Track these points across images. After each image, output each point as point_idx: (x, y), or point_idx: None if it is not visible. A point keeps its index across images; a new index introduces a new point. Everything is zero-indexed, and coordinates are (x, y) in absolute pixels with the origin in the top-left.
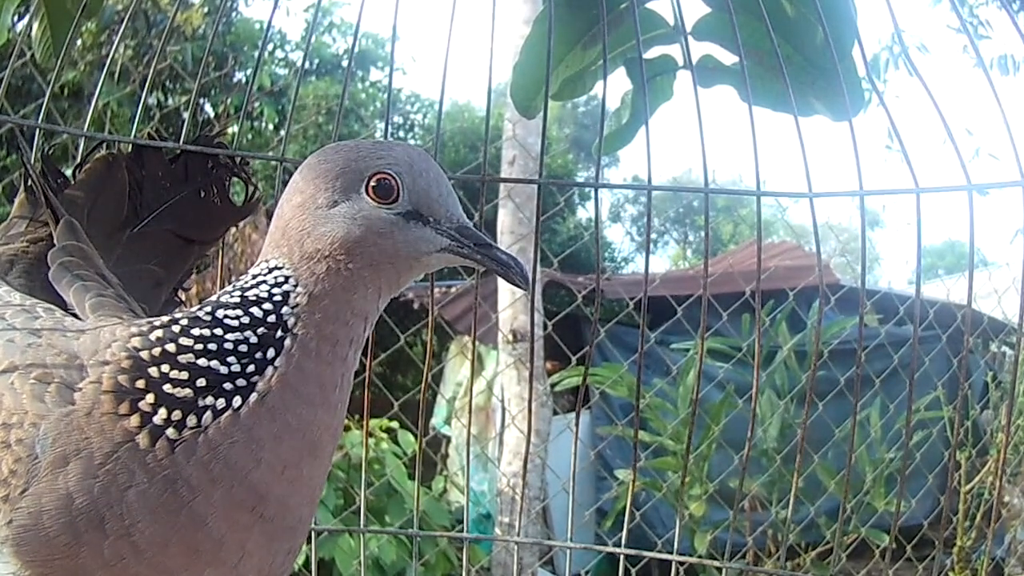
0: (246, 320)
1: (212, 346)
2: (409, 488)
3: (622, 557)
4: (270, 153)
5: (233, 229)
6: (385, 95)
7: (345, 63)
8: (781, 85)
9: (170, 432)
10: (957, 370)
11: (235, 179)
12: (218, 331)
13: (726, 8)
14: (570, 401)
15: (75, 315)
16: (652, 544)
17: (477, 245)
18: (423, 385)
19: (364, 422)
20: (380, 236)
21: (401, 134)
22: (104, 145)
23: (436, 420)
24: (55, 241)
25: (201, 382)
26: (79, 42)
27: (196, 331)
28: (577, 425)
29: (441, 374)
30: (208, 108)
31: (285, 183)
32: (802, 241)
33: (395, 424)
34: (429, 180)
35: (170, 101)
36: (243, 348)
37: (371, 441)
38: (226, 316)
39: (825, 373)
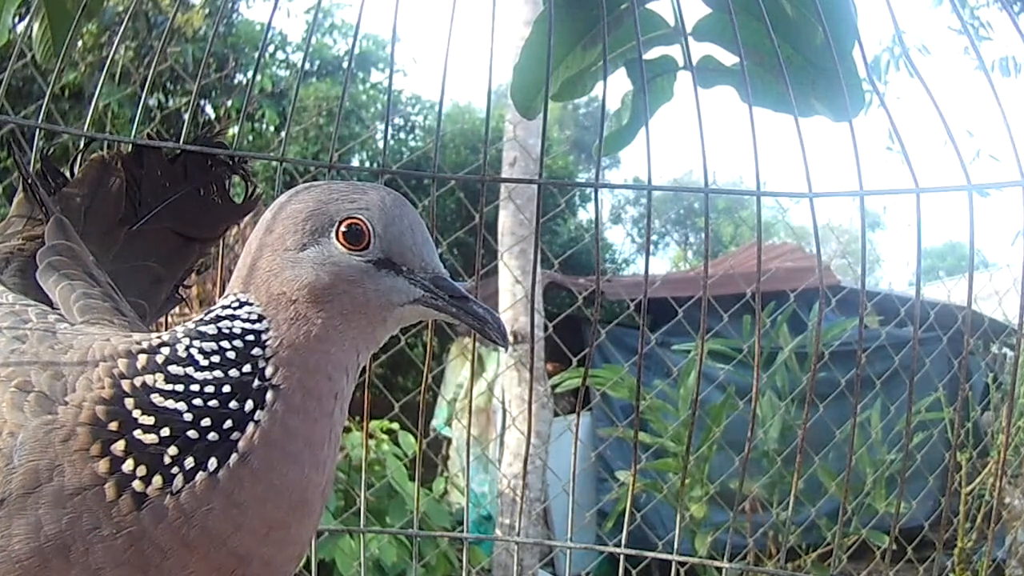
0: (217, 359)
1: (179, 387)
2: (410, 489)
3: (622, 558)
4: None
5: (234, 230)
6: (386, 96)
7: (346, 64)
8: (781, 86)
9: (136, 485)
10: (958, 371)
11: (235, 178)
12: (190, 369)
13: (726, 9)
14: (571, 402)
15: (61, 315)
16: (653, 545)
17: (452, 298)
18: (423, 386)
19: (364, 424)
20: (350, 284)
21: (402, 135)
22: (104, 144)
23: (437, 422)
24: (44, 239)
25: (165, 431)
26: (79, 43)
27: (172, 368)
28: (577, 426)
29: (442, 376)
30: (209, 109)
31: (285, 184)
32: (803, 242)
33: (396, 425)
34: (403, 227)
35: (171, 102)
36: (213, 392)
37: (372, 442)
38: (200, 351)
39: (826, 374)
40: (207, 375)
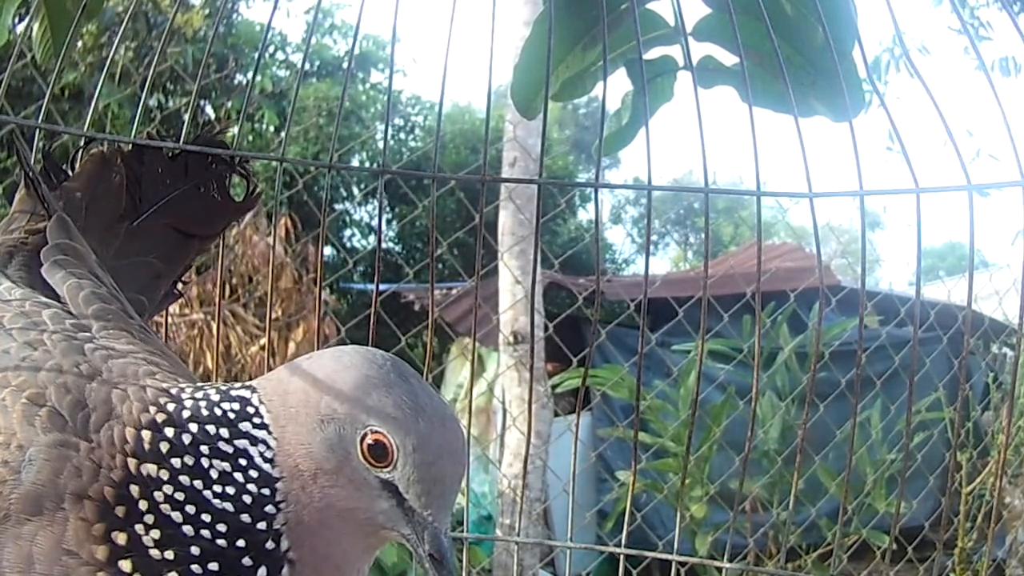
0: (231, 490)
1: (186, 501)
2: None
3: (622, 558)
4: (271, 154)
5: (234, 229)
6: (386, 97)
7: (345, 65)
8: (781, 86)
9: None
10: (958, 371)
11: (235, 177)
12: (198, 483)
13: (726, 9)
14: (571, 403)
15: (76, 319)
16: (653, 545)
17: (432, 557)
18: None
19: None
20: (350, 482)
21: (402, 136)
22: (103, 144)
23: None
24: (47, 238)
25: (169, 554)
26: (79, 44)
27: (175, 462)
28: (577, 426)
29: (442, 376)
30: (209, 110)
31: (285, 184)
32: (803, 243)
33: None
34: (434, 475)
35: (171, 103)
36: (224, 532)
37: None
38: (208, 458)
39: (826, 374)
40: (218, 505)
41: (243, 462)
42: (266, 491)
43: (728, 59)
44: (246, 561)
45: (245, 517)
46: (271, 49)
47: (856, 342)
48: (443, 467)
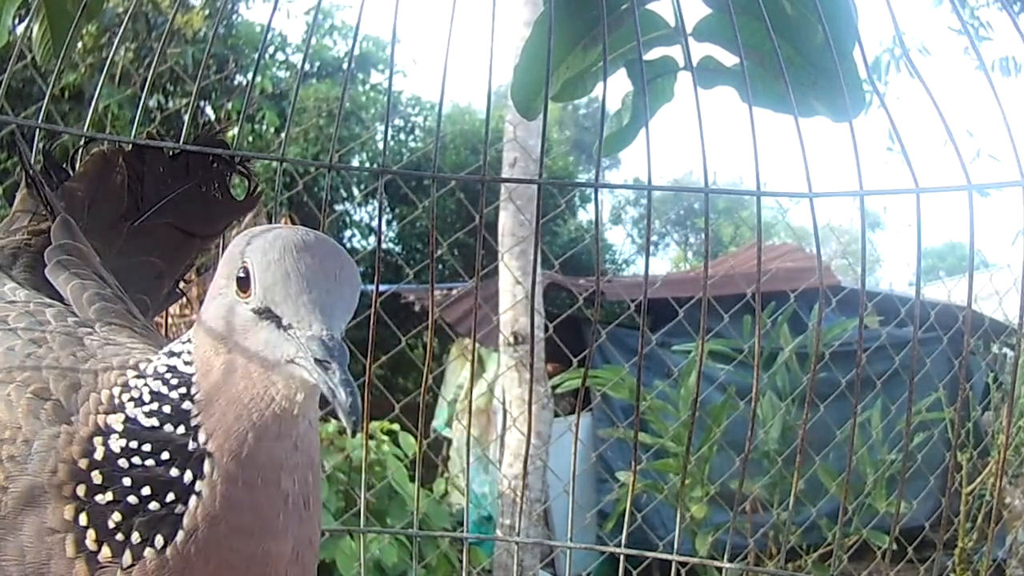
0: (156, 406)
1: (130, 437)
2: (410, 490)
3: (622, 558)
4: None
5: (235, 229)
6: (386, 97)
7: (346, 65)
8: (782, 86)
9: (90, 545)
10: (958, 371)
11: (236, 177)
12: (139, 413)
13: (726, 9)
14: (571, 403)
15: (79, 317)
16: (653, 546)
17: (317, 361)
18: (423, 387)
19: (365, 425)
20: (239, 335)
21: (402, 136)
22: (103, 144)
23: (437, 422)
24: (51, 239)
25: (110, 495)
26: (79, 44)
27: (130, 408)
28: (578, 427)
29: (442, 376)
30: (209, 111)
31: (285, 184)
32: (803, 243)
33: (396, 426)
34: (278, 274)
35: (171, 103)
36: (150, 451)
37: (372, 443)
38: (150, 390)
39: (826, 375)
40: (151, 423)
41: (169, 376)
42: (183, 390)
43: (728, 59)
44: (173, 472)
45: (168, 427)
46: (271, 50)
47: (856, 342)
48: (289, 265)
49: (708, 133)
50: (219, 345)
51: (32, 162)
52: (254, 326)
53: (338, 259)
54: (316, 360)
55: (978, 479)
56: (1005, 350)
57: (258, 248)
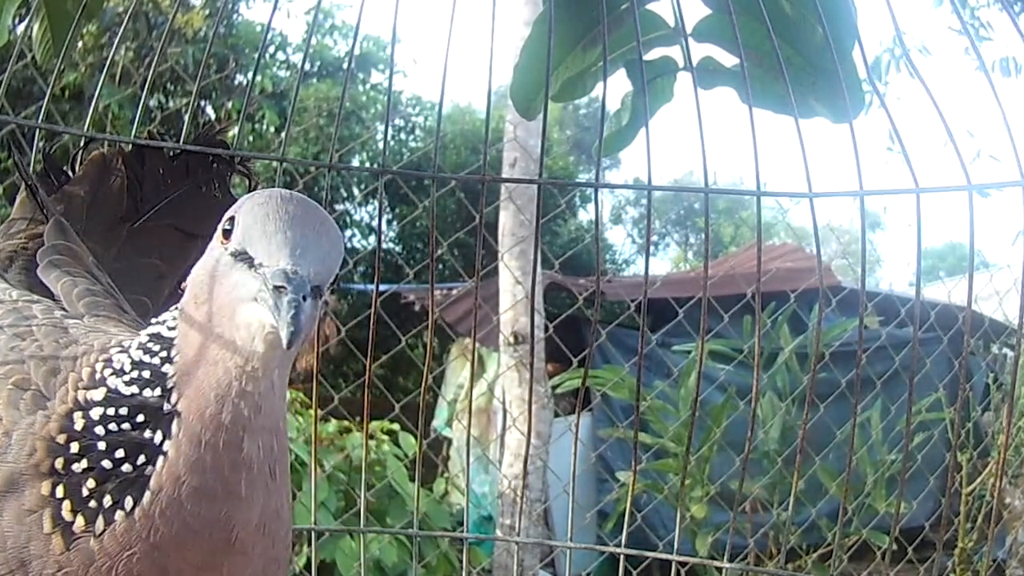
0: (136, 373)
1: (108, 404)
2: (410, 490)
3: (622, 558)
4: (271, 155)
5: None
6: (386, 97)
7: (346, 65)
8: (781, 87)
9: (66, 516)
10: (958, 372)
11: (236, 177)
12: (119, 383)
13: (726, 9)
14: (571, 403)
15: (67, 311)
16: (653, 546)
17: (276, 288)
18: (423, 387)
19: (364, 424)
20: (213, 279)
21: (402, 136)
22: (103, 144)
23: (437, 422)
24: (44, 240)
25: (84, 462)
26: (79, 44)
27: (111, 380)
28: (578, 427)
29: (442, 376)
30: (209, 110)
31: (285, 184)
32: (803, 243)
33: (396, 426)
34: (257, 215)
35: (171, 103)
36: (126, 415)
37: (372, 443)
38: (131, 361)
39: (826, 375)
40: (131, 390)
41: (151, 343)
42: (164, 354)
43: (728, 60)
44: (147, 434)
45: (147, 391)
46: (271, 49)
47: (856, 342)
48: (269, 208)
49: (708, 133)
50: (199, 297)
51: (31, 164)
52: (229, 270)
53: (322, 216)
54: (274, 287)
55: (978, 479)
56: (1005, 350)
57: (248, 200)
